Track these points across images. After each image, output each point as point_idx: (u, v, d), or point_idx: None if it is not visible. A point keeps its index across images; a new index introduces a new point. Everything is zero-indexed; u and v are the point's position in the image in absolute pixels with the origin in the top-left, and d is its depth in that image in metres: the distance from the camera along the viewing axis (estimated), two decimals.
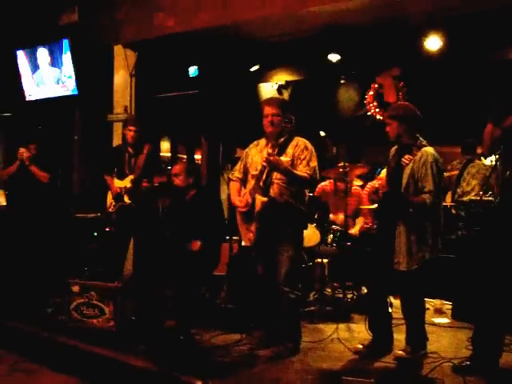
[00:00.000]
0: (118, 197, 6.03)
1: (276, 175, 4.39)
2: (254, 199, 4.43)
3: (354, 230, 6.14)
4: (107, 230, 6.46)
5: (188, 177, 5.23)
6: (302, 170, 4.40)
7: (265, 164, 4.36)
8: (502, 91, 3.89)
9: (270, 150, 4.37)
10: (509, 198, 3.77)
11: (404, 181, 4.21)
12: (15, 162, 6.54)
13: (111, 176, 6.13)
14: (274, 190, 4.40)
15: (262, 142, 4.64)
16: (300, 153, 4.45)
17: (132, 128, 6.03)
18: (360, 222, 6.25)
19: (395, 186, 4.24)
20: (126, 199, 6.00)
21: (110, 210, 6.12)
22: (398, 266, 4.20)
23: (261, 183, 4.43)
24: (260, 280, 4.65)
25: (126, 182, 6.02)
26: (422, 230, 4.17)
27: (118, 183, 6.07)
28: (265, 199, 4.36)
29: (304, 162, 4.42)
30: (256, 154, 4.61)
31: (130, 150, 6.09)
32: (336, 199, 6.36)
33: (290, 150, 4.46)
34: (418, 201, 4.14)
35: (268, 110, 4.46)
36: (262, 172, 4.43)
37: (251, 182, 4.53)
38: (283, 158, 4.39)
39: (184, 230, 5.14)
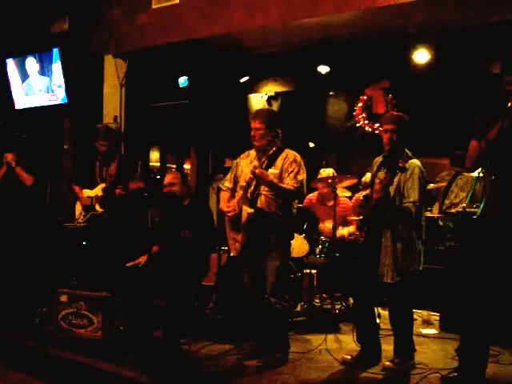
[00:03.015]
0: (88, 206, 6.02)
1: (264, 187, 4.42)
2: (241, 210, 4.45)
3: (341, 232, 6.06)
4: (84, 243, 6.43)
5: (183, 186, 5.28)
6: (288, 183, 4.41)
7: (251, 176, 4.40)
8: (482, 106, 3.94)
9: (257, 163, 4.42)
10: (495, 208, 3.81)
11: (391, 192, 4.25)
12: (1, 168, 6.49)
13: (80, 186, 6.13)
14: (261, 202, 4.42)
15: (253, 152, 4.66)
16: (288, 165, 4.47)
17: (104, 143, 6.06)
18: (351, 229, 6.22)
19: (387, 195, 4.26)
20: (98, 208, 5.99)
21: (80, 220, 6.09)
22: (382, 278, 4.24)
23: (248, 194, 4.46)
24: (247, 290, 4.66)
25: (97, 191, 6.00)
26: (408, 241, 4.22)
27: (87, 193, 6.05)
28: (251, 210, 4.37)
29: (292, 175, 4.44)
30: (246, 164, 4.63)
31: (101, 159, 6.12)
32: (323, 209, 6.39)
33: (279, 162, 4.49)
34: (403, 208, 4.20)
35: (251, 123, 4.52)
36: (249, 184, 4.47)
37: (239, 193, 4.55)
38: (272, 170, 4.42)
39: (174, 240, 5.16)
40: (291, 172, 4.45)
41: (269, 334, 4.57)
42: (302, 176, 4.48)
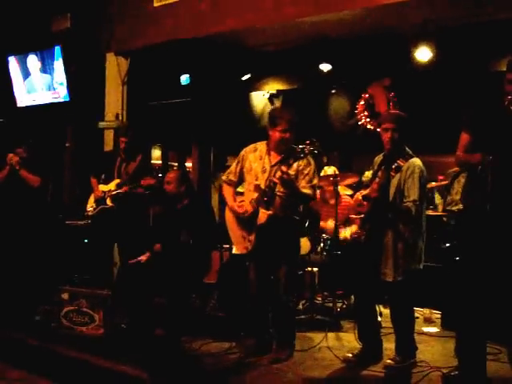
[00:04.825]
0: (100, 200, 6.09)
1: (279, 188, 4.35)
2: (256, 211, 4.36)
3: (344, 234, 6.04)
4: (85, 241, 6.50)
5: (180, 185, 5.23)
6: (305, 186, 4.37)
7: (277, 181, 4.27)
8: (475, 100, 3.92)
9: (285, 168, 4.24)
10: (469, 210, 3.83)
11: (391, 191, 4.24)
12: (4, 168, 6.49)
13: (98, 180, 6.21)
14: (276, 203, 4.37)
15: (262, 147, 4.54)
16: (304, 167, 4.40)
17: (123, 139, 6.19)
18: (353, 229, 6.19)
19: (385, 194, 4.25)
20: (109, 202, 6.04)
21: (89, 212, 6.17)
22: (384, 276, 4.23)
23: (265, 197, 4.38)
24: (250, 287, 4.64)
25: (111, 186, 6.08)
26: (409, 241, 4.21)
27: (102, 187, 6.15)
28: (270, 212, 4.32)
29: (307, 178, 4.39)
30: (255, 160, 4.51)
31: (123, 155, 6.20)
32: (325, 207, 6.37)
33: (293, 163, 4.36)
34: (403, 207, 4.19)
35: (283, 125, 4.35)
36: (272, 188, 4.33)
37: (253, 194, 4.43)
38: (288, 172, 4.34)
39: (174, 239, 5.15)
40: (307, 175, 4.40)
41: (279, 330, 4.58)
42: (316, 180, 4.47)
